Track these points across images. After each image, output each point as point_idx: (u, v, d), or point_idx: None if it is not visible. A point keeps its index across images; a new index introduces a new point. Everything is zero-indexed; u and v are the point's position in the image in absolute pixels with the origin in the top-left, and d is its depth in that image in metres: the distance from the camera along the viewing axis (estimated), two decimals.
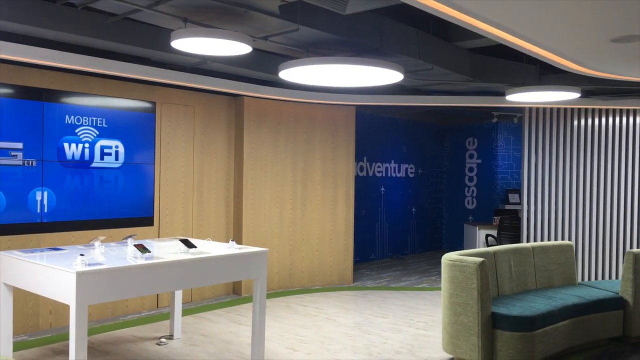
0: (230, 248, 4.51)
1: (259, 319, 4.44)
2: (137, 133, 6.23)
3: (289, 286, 7.53)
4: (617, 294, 5.27)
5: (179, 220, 6.64)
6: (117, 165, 6.06)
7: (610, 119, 7.77)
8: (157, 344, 5.01)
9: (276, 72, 5.25)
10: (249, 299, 6.68)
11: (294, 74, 5.03)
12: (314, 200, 7.72)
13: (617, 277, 7.60)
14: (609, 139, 7.77)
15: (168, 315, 5.82)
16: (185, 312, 6.10)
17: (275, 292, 7.24)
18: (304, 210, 7.65)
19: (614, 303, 5.16)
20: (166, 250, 4.41)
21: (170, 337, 5.19)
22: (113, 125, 6.01)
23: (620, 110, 7.75)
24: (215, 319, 5.93)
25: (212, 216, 6.98)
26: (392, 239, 10.51)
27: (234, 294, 7.16)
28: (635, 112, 7.75)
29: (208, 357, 4.69)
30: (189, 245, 4.35)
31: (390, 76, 5.04)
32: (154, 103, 6.38)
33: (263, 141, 7.28)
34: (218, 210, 7.05)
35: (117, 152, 6.06)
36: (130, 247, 4.39)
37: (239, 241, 6.98)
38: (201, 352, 4.82)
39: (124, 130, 6.11)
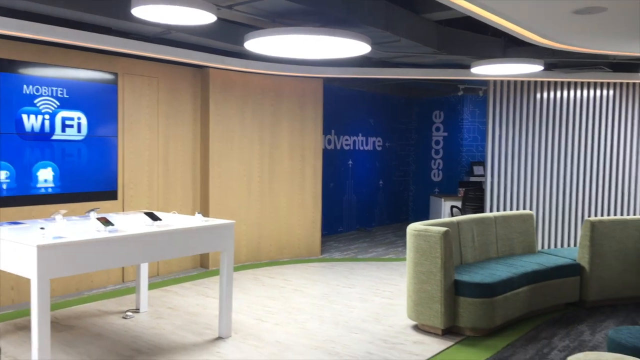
0: (196, 221, 4.49)
1: (226, 291, 4.45)
2: (100, 105, 6.08)
3: (257, 259, 7.55)
4: (575, 260, 5.46)
5: (144, 193, 6.55)
6: (79, 137, 5.91)
7: (572, 92, 7.94)
8: (123, 317, 4.99)
9: (242, 43, 5.17)
10: (216, 272, 6.69)
11: (259, 44, 4.96)
12: (281, 173, 7.71)
13: (575, 245, 7.87)
14: (570, 112, 7.95)
15: (134, 290, 5.78)
16: (152, 286, 6.07)
17: (243, 265, 7.26)
18: (272, 183, 7.64)
19: (571, 269, 5.35)
20: (130, 223, 4.36)
21: (136, 310, 5.17)
22: (74, 96, 5.85)
23: (582, 83, 7.92)
24: (183, 292, 5.93)
25: (178, 189, 6.91)
26: (360, 211, 10.61)
27: (202, 267, 7.15)
28: (595, 85, 7.94)
29: (175, 329, 4.70)
30: (154, 218, 4.30)
31: (358, 48, 5.02)
32: (115, 74, 6.21)
33: (229, 113, 7.20)
34: (184, 183, 6.98)
35: (79, 124, 5.90)
36: (92, 221, 4.32)
37: (206, 214, 6.94)
38: (168, 324, 4.82)
39: (86, 102, 5.95)
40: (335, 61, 7.21)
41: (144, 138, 6.54)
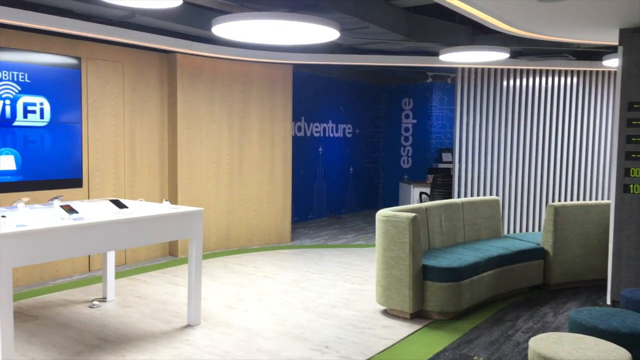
0: (163, 208, 4.43)
1: (194, 278, 4.42)
2: (63, 90, 5.92)
3: (227, 246, 7.51)
4: (539, 244, 5.60)
5: (110, 181, 6.43)
6: (42, 124, 5.75)
7: (537, 79, 8.08)
8: (90, 306, 4.91)
9: (209, 28, 5.09)
10: (185, 260, 6.63)
11: (227, 29, 4.89)
12: (251, 160, 7.66)
13: (539, 230, 8.06)
14: (535, 99, 8.09)
15: (100, 279, 5.69)
16: (119, 275, 5.99)
17: (212, 253, 7.22)
18: (242, 170, 7.59)
19: (536, 253, 5.48)
20: (95, 211, 4.27)
21: (103, 299, 5.10)
22: (36, 81, 5.68)
23: (547, 71, 8.06)
24: (151, 280, 5.86)
25: (145, 177, 6.80)
26: (330, 198, 10.64)
27: (170, 255, 7.08)
28: (560, 73, 8.09)
29: (143, 317, 4.65)
30: (120, 205, 4.23)
31: (326, 34, 4.99)
32: (79, 59, 6.05)
33: (198, 100, 7.10)
34: (152, 170, 6.87)
35: (42, 110, 5.74)
36: (56, 209, 4.22)
37: (174, 202, 6.87)
38: (135, 313, 4.76)
39: (49, 87, 5.78)
40: (304, 47, 7.17)
41: (110, 124, 6.41)
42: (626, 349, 3.01)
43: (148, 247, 6.81)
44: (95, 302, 4.99)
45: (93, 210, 4.32)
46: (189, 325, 4.46)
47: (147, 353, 3.89)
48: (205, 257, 6.94)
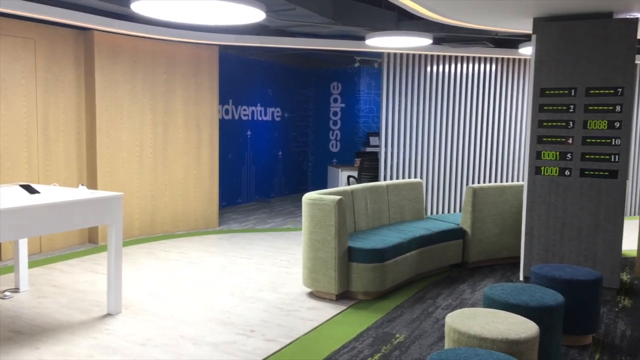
0: (79, 193, 4.23)
1: (114, 265, 4.27)
2: None
3: (151, 232, 7.31)
4: (458, 225, 5.83)
5: (22, 166, 6.06)
6: None
7: (459, 66, 8.35)
8: (1, 297, 4.63)
9: (129, 5, 4.87)
10: (106, 248, 6.38)
11: (147, 7, 4.68)
12: (176, 144, 7.46)
13: (460, 211, 8.39)
14: (456, 85, 8.37)
15: (12, 268, 5.38)
16: (34, 264, 5.69)
17: (136, 239, 7.00)
18: (166, 154, 7.37)
19: (455, 233, 5.70)
20: (3, 197, 4.01)
21: (15, 290, 4.82)
22: None
23: (467, 58, 8.35)
24: (68, 269, 5.61)
25: (61, 161, 6.46)
26: (259, 182, 10.58)
27: (90, 242, 6.80)
28: (479, 60, 8.40)
29: (59, 307, 4.45)
30: (31, 191, 4.00)
31: (252, 14, 4.90)
32: None
33: (118, 80, 6.80)
34: (68, 154, 6.54)
35: None
36: None
37: (93, 187, 6.58)
38: (52, 303, 4.55)
39: None
40: (231, 28, 7.02)
41: (21, 105, 6.02)
42: (534, 321, 3.19)
43: (65, 234, 6.51)
44: (7, 293, 4.72)
45: (1, 196, 4.05)
46: (109, 314, 4.31)
47: (64, 344, 3.73)
48: (128, 243, 6.72)
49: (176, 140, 7.46)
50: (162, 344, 3.75)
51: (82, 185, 4.39)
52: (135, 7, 4.67)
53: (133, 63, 6.93)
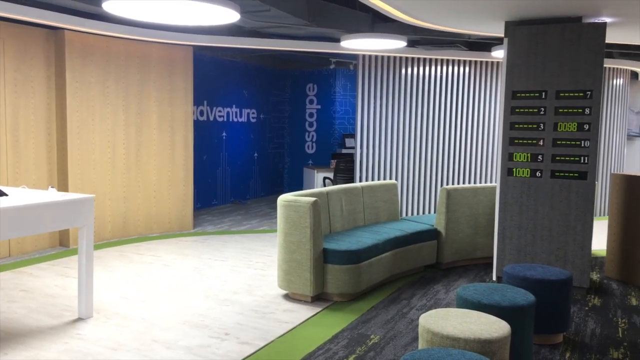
0: (49, 195, 4.14)
1: (86, 268, 4.19)
2: None
3: (124, 235, 7.20)
4: (432, 226, 5.88)
5: None
6: None
7: (433, 68, 8.43)
8: None
9: (100, 4, 4.79)
10: (77, 251, 6.27)
11: (119, 7, 4.62)
12: (150, 145, 7.36)
13: (434, 212, 8.47)
14: (430, 87, 8.45)
15: None
16: (3, 268, 5.56)
17: (108, 242, 6.89)
18: (139, 155, 7.27)
19: (430, 234, 5.75)
20: None
21: None
22: None
23: (441, 60, 8.43)
24: (38, 273, 5.49)
25: (30, 163, 6.33)
26: (235, 184, 10.52)
27: (61, 246, 6.67)
28: (453, 62, 8.49)
29: (29, 312, 4.35)
30: None
31: (226, 15, 4.87)
32: None
33: (90, 81, 6.69)
34: (38, 156, 6.40)
35: None
36: None
37: (64, 189, 6.46)
38: (21, 308, 4.44)
39: None
40: (205, 29, 6.97)
41: None
42: (506, 320, 3.24)
43: (36, 238, 6.37)
44: None
45: None
46: (80, 319, 4.23)
47: (33, 350, 3.64)
48: (100, 246, 6.61)
49: (150, 142, 7.36)
50: (134, 349, 3.69)
51: (51, 187, 4.30)
52: (107, 7, 4.61)
53: (105, 63, 6.83)
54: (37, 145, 6.38)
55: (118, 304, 4.61)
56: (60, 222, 4.06)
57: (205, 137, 9.63)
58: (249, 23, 6.48)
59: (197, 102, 9.25)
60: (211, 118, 9.82)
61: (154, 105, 7.36)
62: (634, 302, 4.90)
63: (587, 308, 4.70)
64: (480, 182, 8.74)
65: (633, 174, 5.58)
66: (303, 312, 4.48)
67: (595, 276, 5.74)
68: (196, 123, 9.24)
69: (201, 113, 9.56)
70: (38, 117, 6.37)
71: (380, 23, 6.77)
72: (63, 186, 6.53)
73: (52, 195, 4.15)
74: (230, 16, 4.89)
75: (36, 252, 6.34)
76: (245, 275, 5.54)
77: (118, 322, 4.17)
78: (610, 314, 4.55)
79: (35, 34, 6.29)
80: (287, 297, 4.87)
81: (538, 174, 5.09)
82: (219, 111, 10.01)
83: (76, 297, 4.65)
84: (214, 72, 9.79)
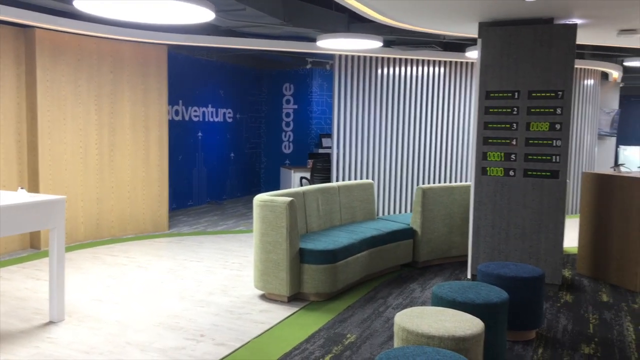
0: (18, 197, 4.05)
1: (57, 271, 4.11)
2: None
3: (98, 237, 7.09)
4: (408, 225, 5.91)
5: None
6: None
7: (408, 68, 8.48)
8: None
9: (70, 2, 4.70)
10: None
11: (90, 4, 4.54)
12: (123, 146, 7.26)
13: (410, 211, 8.53)
14: (406, 87, 8.50)
15: None
16: None
17: (81, 244, 6.77)
18: (113, 155, 7.16)
19: (406, 233, 5.78)
20: None
21: None
22: None
23: (417, 61, 8.49)
24: (8, 275, 5.37)
25: (0, 163, 6.18)
26: (211, 184, 10.43)
27: (32, 248, 6.53)
28: (429, 62, 8.56)
29: None
30: None
31: (201, 14, 4.82)
32: None
33: (61, 80, 6.56)
34: (8, 156, 6.26)
35: None
36: None
37: (35, 190, 6.33)
38: None
39: None
40: (180, 27, 6.90)
41: None
42: (480, 318, 3.28)
43: (6, 240, 6.22)
44: None
45: None
46: (51, 322, 4.14)
47: (3, 354, 3.56)
48: (72, 248, 6.49)
49: (123, 142, 7.26)
50: (107, 351, 3.63)
51: (21, 188, 4.20)
52: (78, 5, 4.52)
53: (77, 62, 6.71)
54: (6, 146, 6.23)
55: (91, 306, 4.53)
56: (31, 224, 3.97)
57: (181, 137, 9.53)
58: (225, 22, 6.44)
59: (172, 101, 9.16)
60: (187, 118, 9.73)
61: (127, 104, 7.26)
62: (604, 298, 5.00)
63: (559, 304, 4.79)
64: (455, 182, 8.83)
65: (603, 172, 5.70)
66: (279, 312, 4.46)
67: (567, 273, 5.84)
68: (171, 123, 9.14)
69: (176, 113, 9.46)
70: (8, 117, 6.23)
71: (357, 23, 6.79)
72: (34, 187, 6.40)
73: (22, 196, 4.06)
74: (205, 15, 4.85)
75: (6, 255, 6.19)
76: (221, 276, 5.50)
77: (90, 325, 4.10)
78: (582, 310, 4.64)
79: (4, 32, 6.14)
80: (263, 297, 4.84)
81: (511, 173, 5.16)
82: (195, 111, 9.92)
83: (47, 300, 4.56)
84: (190, 71, 9.70)
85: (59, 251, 4.12)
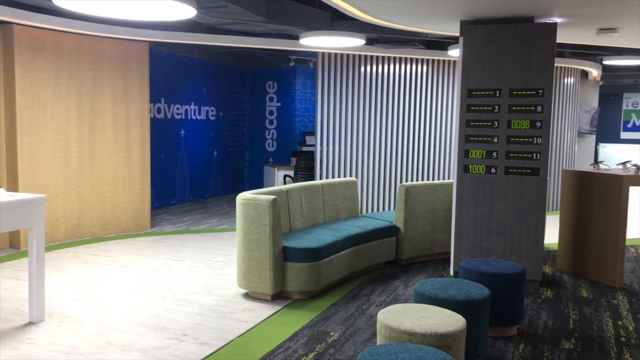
0: None
1: (36, 271, 4.05)
2: None
3: (79, 236, 7.00)
4: (392, 223, 5.93)
5: None
6: None
7: (391, 66, 8.51)
8: None
9: None
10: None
11: (70, 2, 4.48)
12: (104, 144, 7.17)
13: (393, 208, 8.56)
14: (390, 85, 8.53)
15: None
16: None
17: (61, 244, 6.68)
18: (94, 154, 7.08)
19: (389, 231, 5.80)
20: None
21: None
22: None
23: (399, 59, 8.52)
24: None
25: None
26: (194, 182, 10.37)
27: (12, 247, 6.43)
28: (411, 60, 8.60)
29: None
30: None
31: (183, 11, 4.78)
32: None
33: (40, 77, 6.46)
34: None
35: None
36: None
37: (14, 189, 6.23)
38: None
39: None
40: (161, 24, 6.84)
41: None
42: (462, 314, 3.30)
43: None
44: None
45: None
46: (31, 323, 4.08)
47: None
48: (52, 248, 6.41)
49: (104, 140, 7.17)
50: (88, 352, 3.59)
51: None
52: (57, 1, 4.46)
53: (56, 59, 6.61)
54: None
55: (71, 306, 4.47)
56: (9, 224, 3.91)
57: (163, 135, 9.45)
58: (207, 19, 6.40)
59: (153, 99, 9.07)
60: (169, 116, 9.65)
61: (108, 102, 7.18)
62: (584, 294, 5.08)
63: (540, 300, 4.84)
64: (438, 179, 8.88)
65: (583, 170, 5.77)
66: (263, 311, 4.45)
67: (547, 269, 5.91)
68: (153, 121, 9.06)
69: (158, 110, 9.38)
70: None
71: (340, 21, 6.79)
72: (13, 186, 6.29)
73: (0, 195, 4.00)
74: (186, 12, 4.81)
75: None
76: (204, 275, 5.47)
77: (71, 326, 4.05)
78: (562, 306, 4.70)
79: None
80: (246, 296, 4.83)
81: (493, 170, 5.21)
82: (177, 109, 9.84)
83: (27, 301, 4.49)
84: (172, 68, 9.62)
85: (39, 251, 4.06)
